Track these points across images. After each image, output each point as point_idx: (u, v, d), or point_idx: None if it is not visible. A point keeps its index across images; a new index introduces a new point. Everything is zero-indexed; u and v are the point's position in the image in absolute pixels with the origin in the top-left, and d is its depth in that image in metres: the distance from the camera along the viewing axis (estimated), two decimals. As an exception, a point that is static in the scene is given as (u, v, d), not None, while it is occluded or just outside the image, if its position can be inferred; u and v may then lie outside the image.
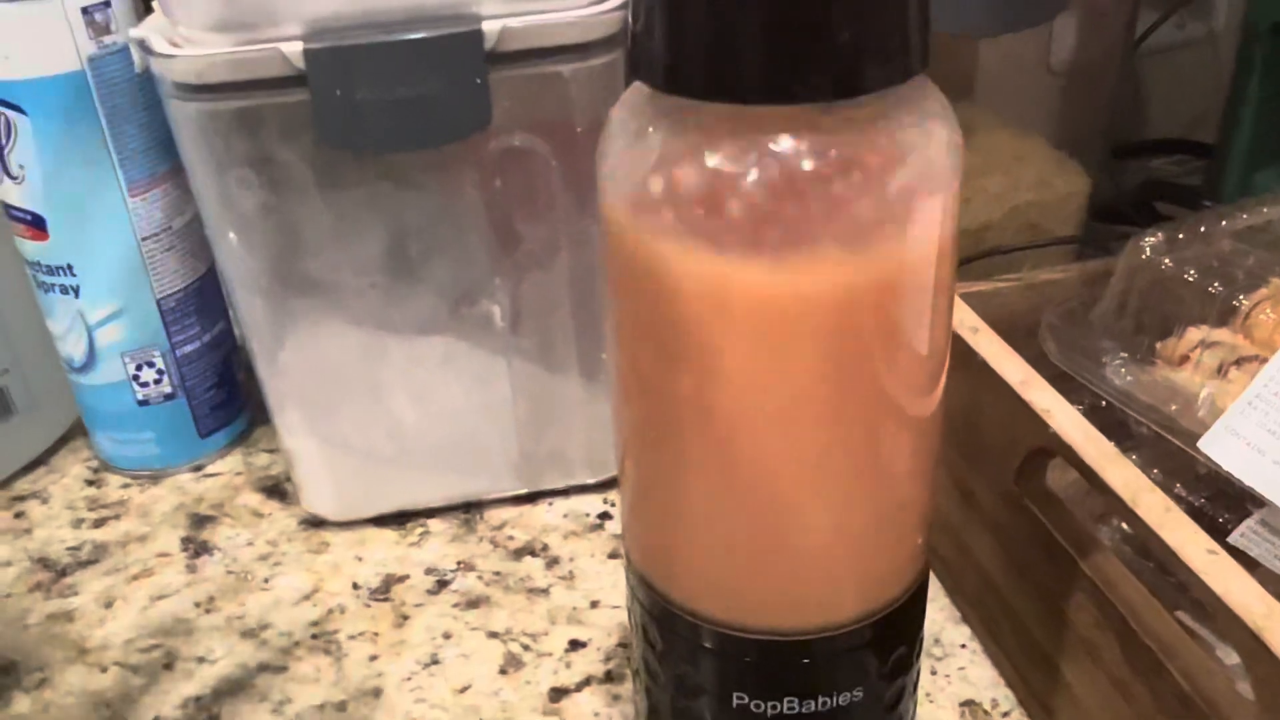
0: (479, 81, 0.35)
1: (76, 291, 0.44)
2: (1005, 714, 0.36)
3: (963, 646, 0.38)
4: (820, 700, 0.28)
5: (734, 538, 0.26)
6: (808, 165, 0.22)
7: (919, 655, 0.30)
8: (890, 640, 0.29)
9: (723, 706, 0.28)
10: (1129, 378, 0.32)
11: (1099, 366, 0.33)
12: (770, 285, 0.23)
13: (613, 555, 0.43)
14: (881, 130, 0.22)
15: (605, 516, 0.45)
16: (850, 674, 0.28)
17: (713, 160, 0.22)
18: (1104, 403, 0.36)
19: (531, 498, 0.46)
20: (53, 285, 0.44)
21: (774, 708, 0.28)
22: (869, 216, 0.22)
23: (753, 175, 0.22)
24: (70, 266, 0.44)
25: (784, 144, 0.22)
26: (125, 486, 0.48)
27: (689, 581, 0.28)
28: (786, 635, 0.27)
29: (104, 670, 0.39)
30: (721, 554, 0.27)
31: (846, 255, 0.23)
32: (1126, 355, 0.33)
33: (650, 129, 0.23)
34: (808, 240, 0.22)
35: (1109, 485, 0.29)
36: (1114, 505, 0.29)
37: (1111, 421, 0.34)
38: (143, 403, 0.47)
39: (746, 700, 0.28)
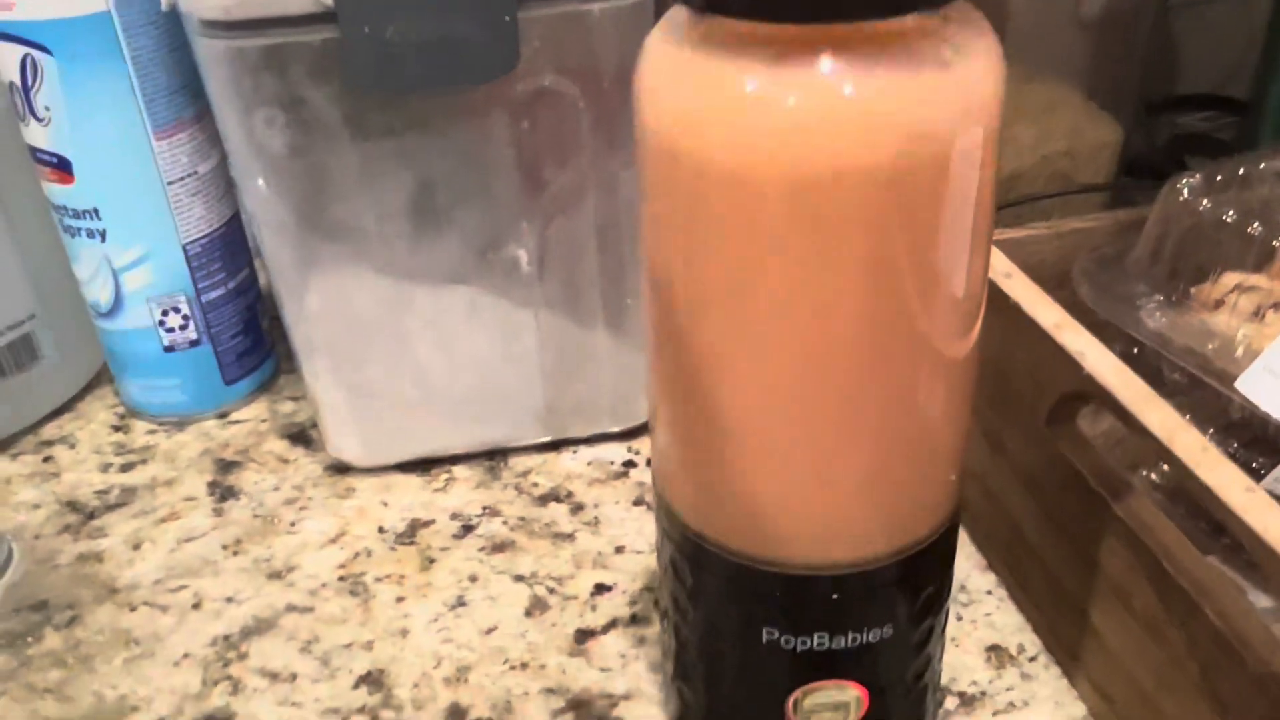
0: (508, 20, 0.35)
1: (103, 236, 0.44)
2: (1031, 659, 0.36)
3: (988, 593, 0.38)
4: (850, 636, 0.28)
5: (767, 471, 0.26)
6: (849, 89, 0.22)
7: (948, 596, 0.30)
8: (921, 578, 0.29)
9: (752, 642, 0.29)
10: (1164, 321, 0.32)
11: (1133, 310, 0.32)
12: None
13: (637, 502, 0.43)
14: (926, 50, 0.22)
15: (630, 465, 0.45)
16: (880, 611, 0.28)
17: (754, 82, 0.22)
18: (1135, 350, 0.35)
19: (555, 445, 0.46)
20: (79, 229, 0.44)
21: (803, 643, 0.28)
22: (908, 140, 0.22)
23: (793, 99, 0.22)
24: (97, 210, 0.44)
25: (827, 64, 0.21)
26: (151, 432, 0.49)
27: (721, 516, 0.27)
28: (817, 570, 0.27)
29: (133, 609, 0.39)
30: (755, 488, 0.27)
31: (882, 183, 0.22)
32: (1161, 299, 0.32)
33: (690, 51, 0.23)
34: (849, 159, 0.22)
35: (1145, 426, 0.29)
36: (1150, 447, 0.29)
37: (1143, 370, 0.33)
38: (169, 349, 0.47)
39: (776, 635, 0.28)
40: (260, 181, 0.38)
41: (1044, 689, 0.35)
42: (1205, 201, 0.32)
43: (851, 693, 0.29)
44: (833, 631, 0.28)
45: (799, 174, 0.22)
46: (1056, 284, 0.36)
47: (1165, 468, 0.33)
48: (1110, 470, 0.31)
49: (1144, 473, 0.34)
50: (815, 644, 0.28)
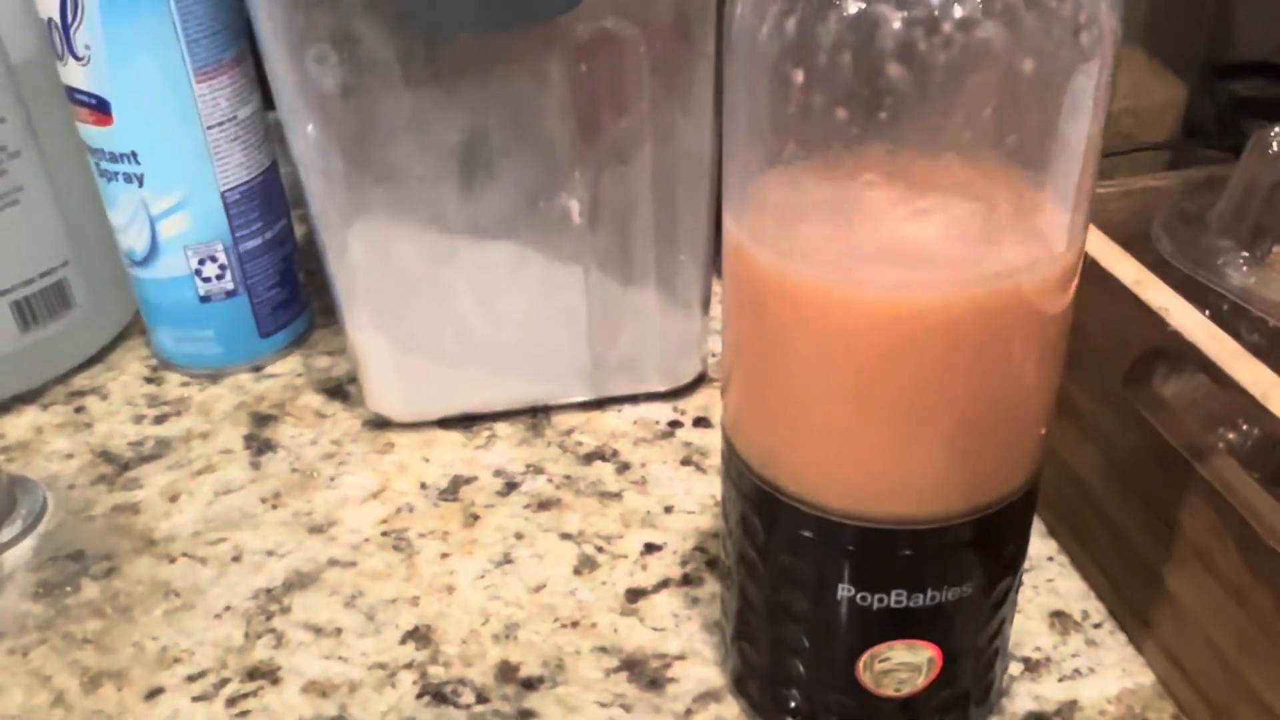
0: (572, -44, 0.34)
1: (140, 180, 0.43)
2: (1096, 625, 0.35)
3: (1049, 559, 0.37)
4: (928, 594, 0.27)
5: (851, 426, 0.25)
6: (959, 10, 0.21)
7: (1024, 557, 0.30)
8: (1002, 537, 0.28)
9: (826, 600, 0.28)
10: (1250, 277, 0.31)
11: (1217, 266, 0.31)
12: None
13: (685, 463, 0.42)
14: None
15: (676, 425, 0.44)
16: (960, 569, 0.27)
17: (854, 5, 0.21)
18: (1207, 314, 0.34)
19: (600, 404, 0.45)
20: (116, 174, 0.43)
21: (880, 600, 0.27)
22: (1022, 73, 0.21)
23: (897, 21, 0.21)
24: (135, 154, 0.43)
25: (946, -16, 0.20)
26: (185, 385, 0.48)
27: (798, 468, 0.27)
28: (898, 525, 0.26)
29: (172, 561, 0.39)
30: (838, 442, 0.26)
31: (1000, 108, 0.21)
32: (1247, 255, 0.31)
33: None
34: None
35: (1237, 382, 0.27)
36: (1240, 404, 0.28)
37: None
38: (204, 299, 0.46)
39: (852, 592, 0.27)
40: (309, 123, 0.37)
41: (1110, 655, 0.34)
42: (1297, 155, 0.31)
43: (925, 654, 0.28)
44: (910, 589, 0.27)
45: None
46: (1126, 243, 0.35)
47: (1245, 428, 0.32)
48: (1191, 431, 0.30)
49: (1220, 431, 0.33)
50: (892, 602, 0.27)
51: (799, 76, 0.22)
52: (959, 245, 0.24)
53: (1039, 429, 0.27)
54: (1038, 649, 0.34)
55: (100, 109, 0.42)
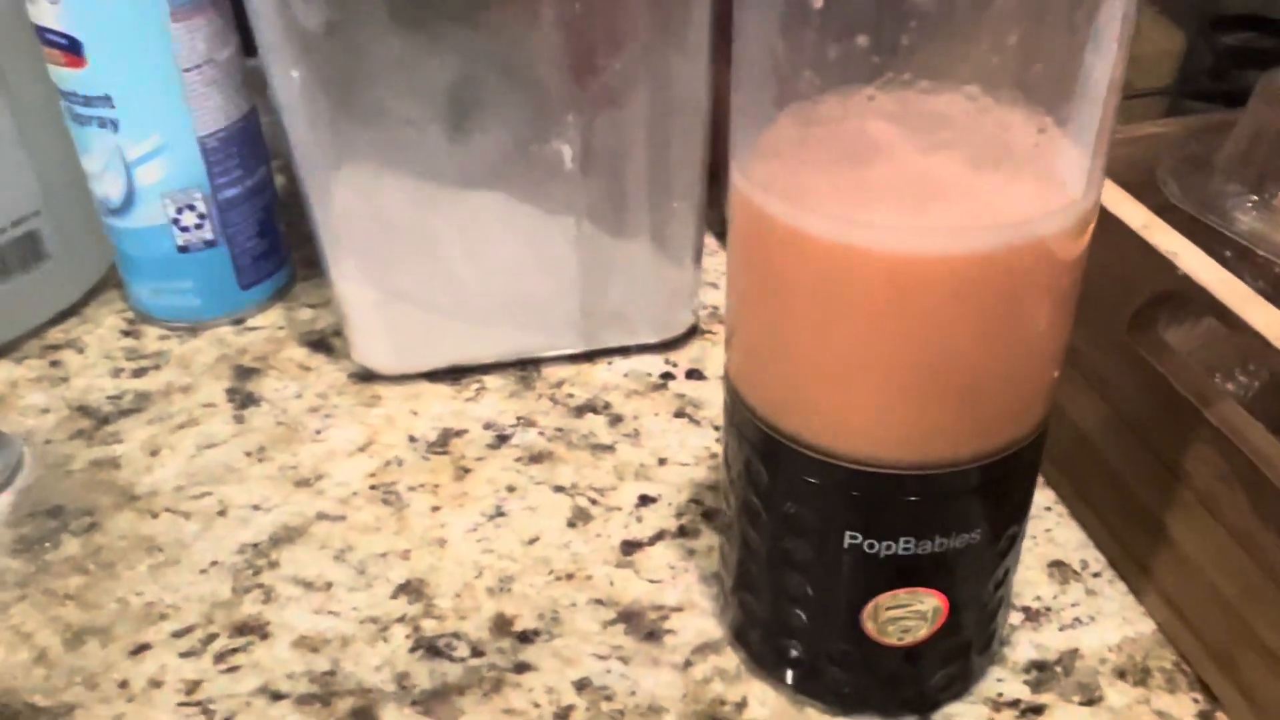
0: (566, -112, 0.33)
1: (115, 125, 0.42)
2: (1095, 574, 0.35)
3: (1047, 509, 0.37)
4: (936, 541, 0.27)
5: (860, 372, 0.25)
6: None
7: (1031, 503, 0.29)
8: (1011, 483, 0.27)
9: (832, 547, 0.27)
10: (1258, 221, 0.30)
11: (1224, 210, 0.31)
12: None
13: (678, 415, 0.42)
14: None
15: (668, 376, 0.44)
16: (968, 516, 0.27)
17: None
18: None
19: (590, 356, 0.45)
20: (90, 118, 0.42)
21: (887, 548, 0.27)
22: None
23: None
24: (109, 97, 0.41)
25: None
26: (163, 338, 0.46)
27: (805, 413, 0.26)
28: (907, 470, 0.26)
29: (155, 516, 0.38)
30: (847, 386, 0.25)
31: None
32: (1256, 199, 0.31)
33: None
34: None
35: (1250, 325, 0.27)
36: (1251, 348, 0.27)
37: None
38: (183, 249, 0.45)
39: (859, 540, 0.27)
40: (292, 62, 0.36)
41: (1110, 604, 0.34)
42: (1307, 96, 0.31)
43: (931, 602, 0.28)
44: (918, 536, 0.27)
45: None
46: (1129, 190, 0.35)
47: (1249, 375, 0.32)
48: (1197, 376, 0.30)
49: (1220, 377, 0.33)
50: (900, 549, 0.27)
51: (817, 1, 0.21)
52: (974, 187, 0.24)
53: (1050, 376, 0.26)
54: (1038, 598, 0.34)
55: (72, 50, 0.40)
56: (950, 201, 0.23)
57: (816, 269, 0.24)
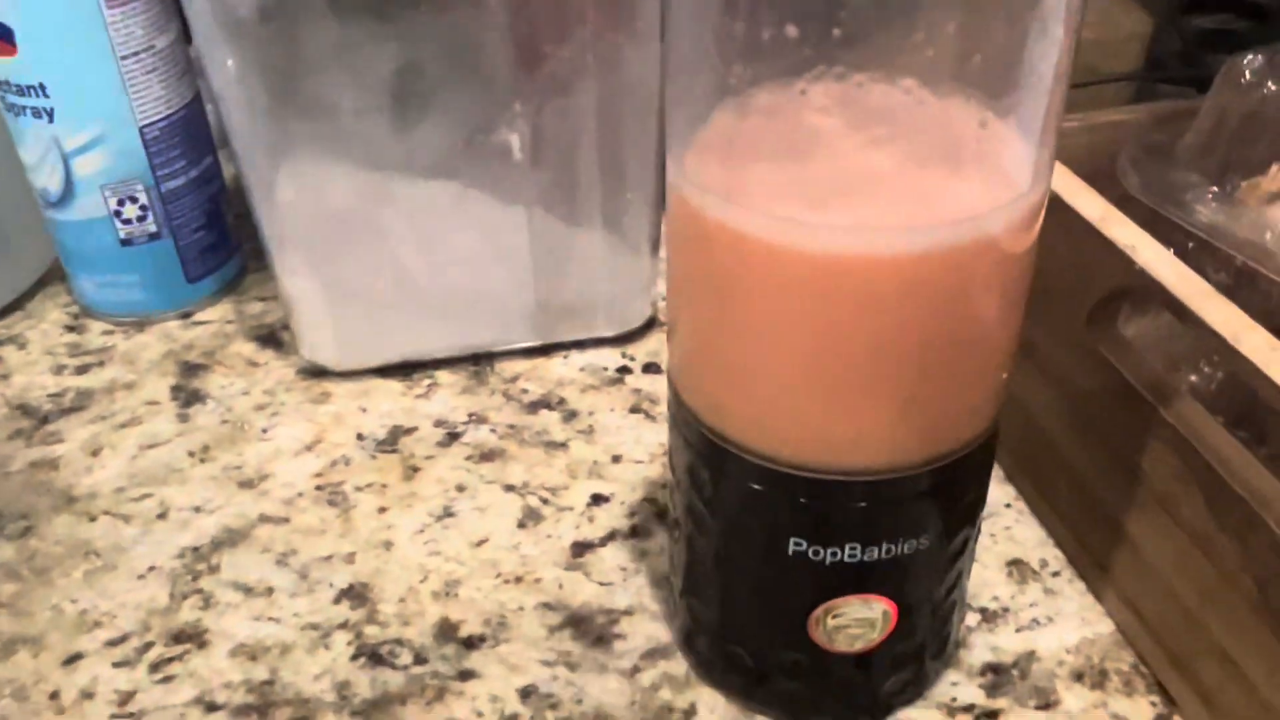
0: None
1: (51, 115, 0.40)
2: (1054, 574, 0.34)
3: (1007, 506, 0.36)
4: (883, 547, 0.26)
5: (800, 373, 0.24)
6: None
7: (983, 506, 0.28)
8: (960, 486, 0.26)
9: (777, 554, 0.26)
10: (1219, 213, 0.29)
11: (1184, 202, 0.30)
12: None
13: (634, 410, 0.41)
14: None
15: (625, 371, 0.43)
16: (916, 521, 0.26)
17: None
18: (1173, 250, 0.33)
19: (545, 350, 0.43)
20: (23, 108, 0.40)
21: (833, 555, 0.26)
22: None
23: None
24: (43, 86, 0.40)
25: None
26: (108, 333, 0.45)
27: (747, 418, 0.25)
28: (851, 476, 0.25)
29: (93, 519, 0.37)
30: (786, 389, 0.24)
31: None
32: (1216, 190, 0.30)
33: None
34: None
35: (1207, 323, 0.26)
36: (1209, 346, 0.26)
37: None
38: (126, 242, 0.43)
39: (804, 546, 0.26)
40: (227, 51, 0.34)
41: (1069, 604, 0.33)
42: (1270, 85, 0.30)
43: (880, 608, 0.27)
44: (865, 542, 0.26)
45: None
46: (1089, 180, 0.34)
47: (1208, 370, 0.31)
48: (1156, 374, 0.29)
49: (1183, 372, 0.32)
50: (846, 556, 0.26)
51: (745, -11, 0.20)
52: (917, 184, 0.23)
53: (1000, 375, 0.25)
54: (995, 598, 0.33)
55: (3, 37, 0.39)
56: (892, 198, 0.22)
57: (754, 269, 0.23)
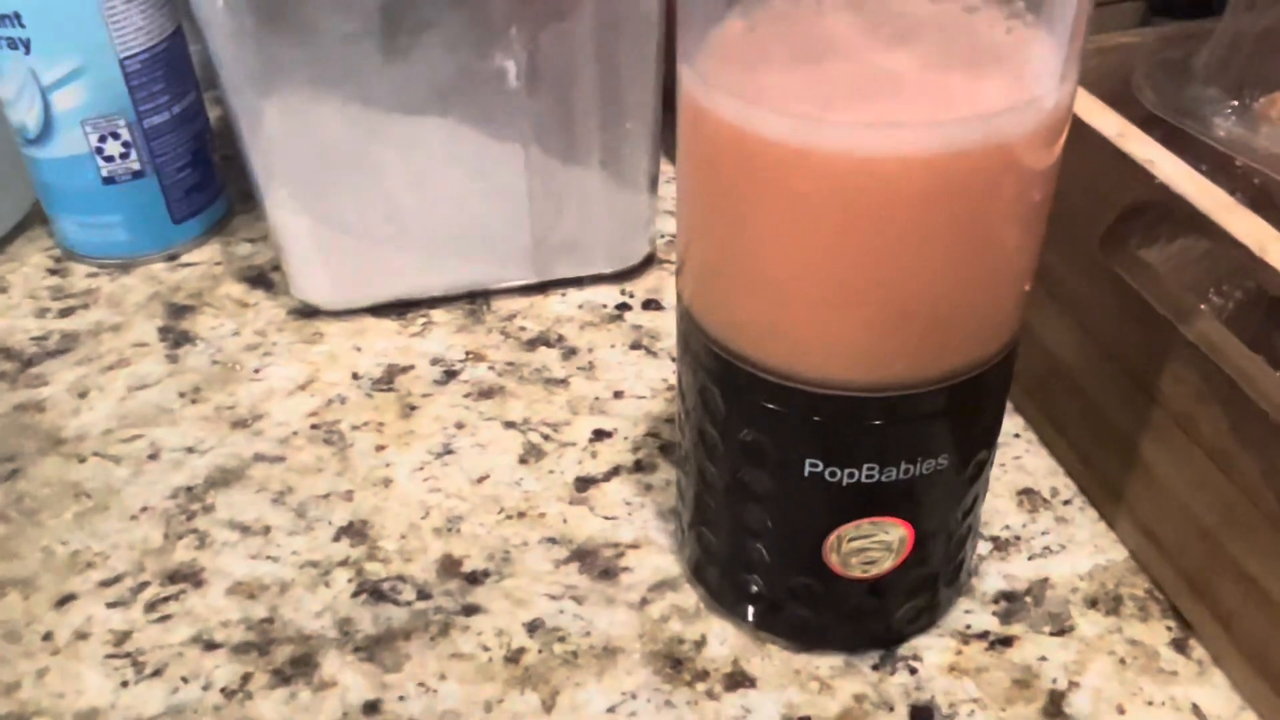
0: None
1: (27, 46, 0.39)
2: (1065, 502, 0.33)
3: (1016, 436, 0.36)
4: (901, 468, 0.25)
5: (818, 287, 0.23)
6: None
7: (1000, 428, 0.28)
8: (979, 405, 0.26)
9: (792, 476, 0.26)
10: (1238, 127, 0.28)
11: (1203, 117, 0.29)
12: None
13: (634, 346, 0.40)
14: None
15: (624, 308, 0.42)
16: (935, 441, 0.25)
17: None
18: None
19: (542, 288, 0.43)
20: (-1, 39, 0.39)
21: (850, 475, 0.25)
22: None
23: None
24: (18, 15, 0.38)
25: None
26: (92, 275, 0.44)
27: (763, 335, 0.24)
28: (869, 393, 0.24)
29: (82, 460, 0.36)
30: (805, 304, 0.23)
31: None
32: (1236, 104, 0.29)
33: None
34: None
35: (1232, 235, 0.26)
36: (1235, 258, 0.26)
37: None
38: (108, 180, 0.42)
39: (820, 468, 0.25)
40: (210, -28, 0.33)
41: (1081, 532, 0.32)
42: (1291, -7, 0.29)
43: (897, 532, 0.27)
44: (882, 463, 0.25)
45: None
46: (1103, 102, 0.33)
47: (1224, 292, 0.31)
48: (1174, 293, 0.29)
49: (1206, 290, 0.31)
50: (863, 476, 0.25)
51: None
52: (941, 84, 0.22)
53: (1020, 291, 0.25)
54: (1006, 527, 0.33)
55: (-25, -37, 0.37)
56: (915, 98, 0.21)
57: (772, 173, 0.22)
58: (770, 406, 0.25)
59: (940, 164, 0.21)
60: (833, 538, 0.27)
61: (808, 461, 0.25)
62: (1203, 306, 0.32)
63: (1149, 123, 0.33)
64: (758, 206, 0.23)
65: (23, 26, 0.38)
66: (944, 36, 0.22)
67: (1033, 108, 0.21)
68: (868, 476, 0.25)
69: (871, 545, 0.27)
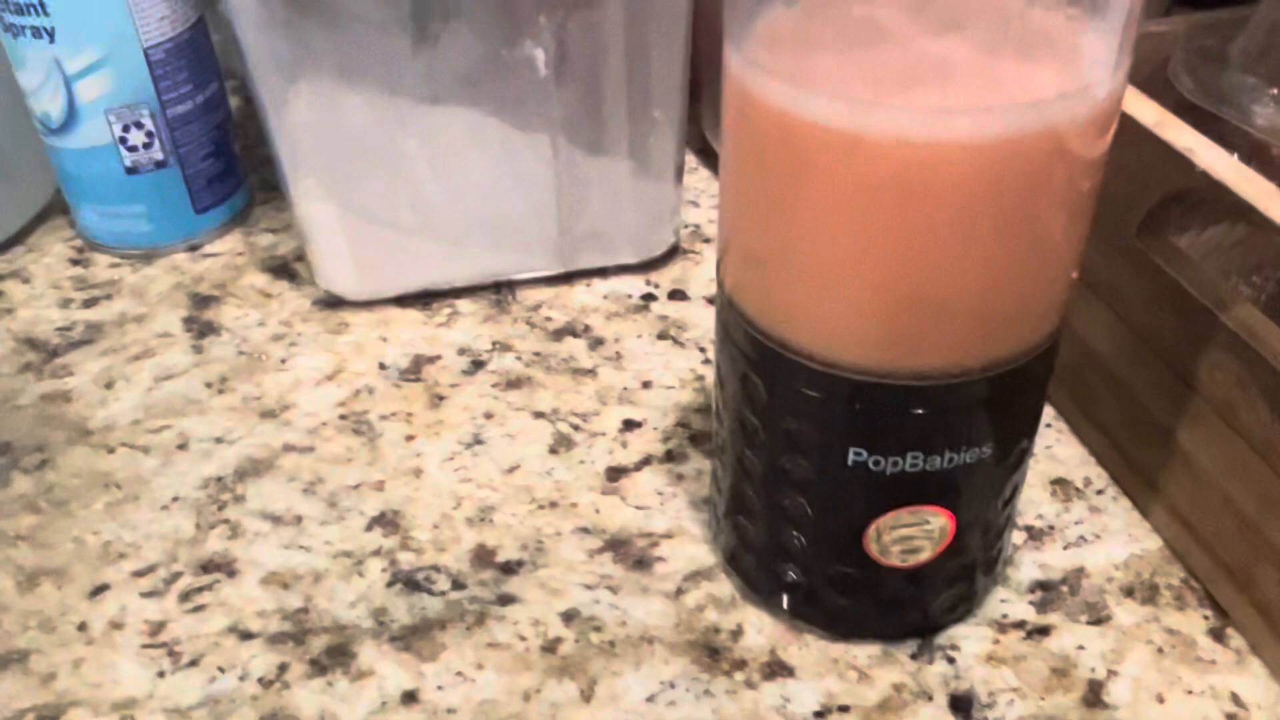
0: None
1: (51, 35, 0.39)
2: (1099, 491, 0.33)
3: (1047, 425, 0.36)
4: (946, 457, 0.25)
5: (865, 275, 0.23)
6: None
7: (1041, 415, 0.28)
8: (1024, 393, 0.26)
9: (835, 465, 0.26)
10: (1279, 115, 0.28)
11: (1242, 105, 0.29)
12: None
13: (661, 336, 0.40)
14: None
15: (650, 298, 0.42)
16: (980, 429, 0.25)
17: None
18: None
19: (568, 278, 0.42)
20: (22, 28, 0.39)
21: (894, 464, 0.25)
22: None
23: None
24: (42, 4, 0.38)
25: None
26: (115, 266, 0.44)
27: (808, 322, 0.24)
28: (917, 381, 0.24)
29: (111, 451, 0.36)
30: (849, 293, 0.23)
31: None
32: (1276, 93, 0.29)
33: None
34: None
35: (1275, 222, 0.25)
36: (1265, 252, 0.26)
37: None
38: (131, 170, 0.42)
39: (864, 456, 0.25)
40: (240, -41, 0.33)
41: (1115, 521, 0.32)
42: (1332, -18, 0.29)
43: (938, 521, 0.27)
44: (927, 451, 0.25)
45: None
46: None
47: (1260, 281, 0.31)
48: (1212, 280, 0.29)
49: (1234, 279, 0.31)
50: (908, 465, 0.25)
51: None
52: (993, 71, 0.22)
53: (1067, 279, 0.25)
54: (1040, 516, 0.33)
55: (0, -48, 0.37)
56: (967, 85, 0.21)
57: (821, 158, 0.22)
58: (813, 394, 0.25)
59: (993, 151, 0.21)
60: (874, 527, 0.27)
61: (851, 450, 0.25)
62: (1243, 290, 0.32)
63: (1181, 109, 0.33)
64: (806, 192, 0.22)
65: (47, 15, 0.38)
66: (994, 22, 0.22)
67: (1086, 96, 0.21)
68: (911, 465, 0.25)
69: (913, 534, 0.27)
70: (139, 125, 0.41)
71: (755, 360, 0.26)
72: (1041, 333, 0.25)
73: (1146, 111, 0.30)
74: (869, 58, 0.22)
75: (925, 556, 0.27)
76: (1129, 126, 0.30)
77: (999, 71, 0.22)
